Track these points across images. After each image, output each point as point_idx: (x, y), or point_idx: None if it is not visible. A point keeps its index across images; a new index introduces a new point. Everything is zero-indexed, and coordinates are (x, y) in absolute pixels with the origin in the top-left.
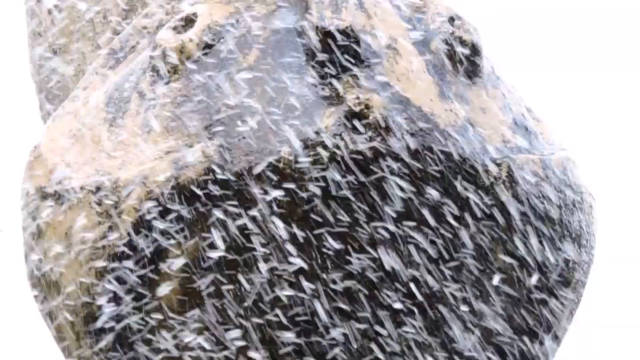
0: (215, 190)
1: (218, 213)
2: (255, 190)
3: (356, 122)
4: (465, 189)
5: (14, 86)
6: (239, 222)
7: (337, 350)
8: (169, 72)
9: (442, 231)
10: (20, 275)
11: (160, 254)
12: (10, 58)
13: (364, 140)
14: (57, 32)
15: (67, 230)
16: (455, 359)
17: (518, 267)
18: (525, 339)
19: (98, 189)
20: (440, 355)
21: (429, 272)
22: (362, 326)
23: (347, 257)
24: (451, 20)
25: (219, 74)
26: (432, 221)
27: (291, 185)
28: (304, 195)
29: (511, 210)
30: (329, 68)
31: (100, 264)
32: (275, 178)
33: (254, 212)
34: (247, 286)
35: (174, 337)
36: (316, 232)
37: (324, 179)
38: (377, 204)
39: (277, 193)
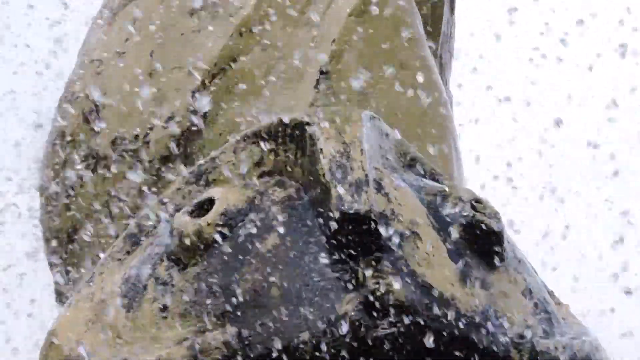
0: None
1: None
2: None
3: (376, 308)
4: None
5: None
6: None
7: None
8: (185, 256)
9: None
10: None
11: None
12: None
13: (385, 326)
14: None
15: None
16: None
17: None
18: None
19: None
20: None
21: None
22: None
23: None
24: (472, 204)
25: (236, 259)
26: None
27: None
28: None
29: None
30: (349, 252)
31: None
32: None
33: None
34: None
35: None
36: None
37: None
38: None
39: None
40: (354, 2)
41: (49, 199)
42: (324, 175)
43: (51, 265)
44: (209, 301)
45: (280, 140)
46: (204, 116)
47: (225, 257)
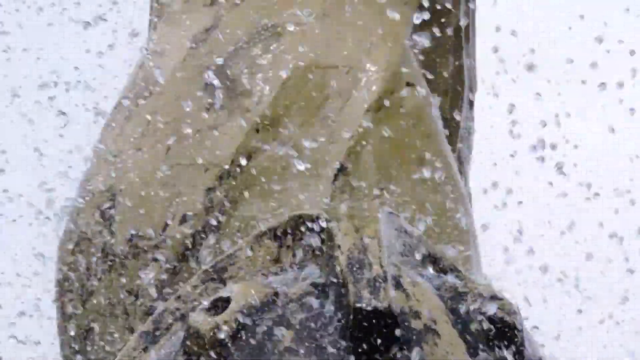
0: None
1: None
2: None
3: None
4: None
5: None
6: None
7: None
8: (202, 354)
9: None
10: None
11: None
12: None
13: None
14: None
15: None
16: None
17: None
18: None
19: None
20: None
21: None
22: None
23: None
24: (492, 301)
25: (253, 357)
26: None
27: None
28: None
29: None
30: (367, 349)
31: None
32: None
33: None
34: None
35: None
36: None
37: None
38: None
39: None
40: (371, 98)
41: (65, 294)
42: (342, 271)
43: None
44: None
45: (297, 236)
46: (221, 212)
47: (243, 355)
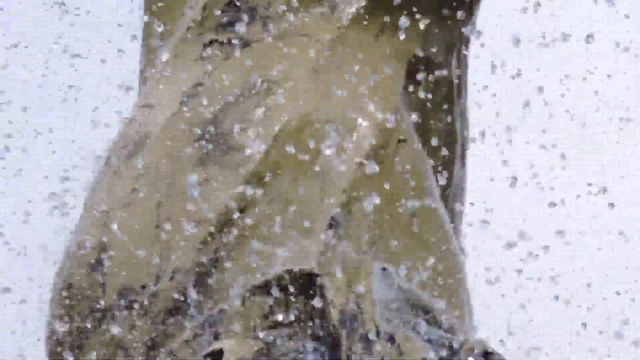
0: None
1: None
2: None
3: None
4: None
5: None
6: None
7: None
8: None
9: None
10: None
11: None
12: None
13: None
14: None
15: None
16: None
17: None
18: None
19: None
20: None
21: None
22: None
23: None
24: (484, 356)
25: None
26: None
27: None
28: None
29: None
30: None
31: None
32: None
33: None
34: None
35: None
36: None
37: None
38: None
39: None
40: (363, 153)
41: (55, 350)
42: (334, 326)
43: None
44: None
45: (289, 291)
46: (212, 267)
47: None
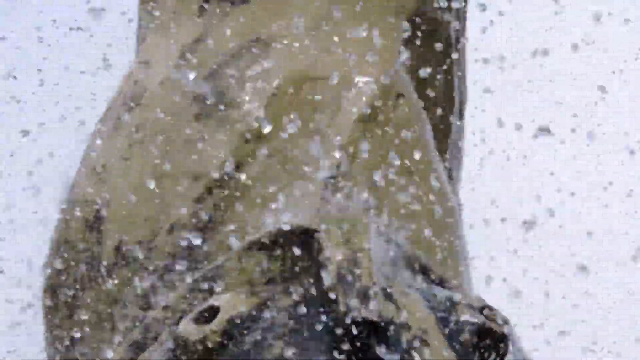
0: None
1: None
2: None
3: None
4: None
5: None
6: None
7: None
8: None
9: None
10: None
11: None
12: None
13: None
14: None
15: None
16: None
17: None
18: None
19: None
20: None
21: None
22: None
23: None
24: (482, 311)
25: None
26: None
27: None
28: None
29: None
30: None
31: None
32: None
33: None
34: None
35: None
36: None
37: None
38: None
39: None
40: (361, 109)
41: (50, 309)
42: (331, 282)
43: None
44: None
45: (286, 247)
46: (209, 223)
47: None
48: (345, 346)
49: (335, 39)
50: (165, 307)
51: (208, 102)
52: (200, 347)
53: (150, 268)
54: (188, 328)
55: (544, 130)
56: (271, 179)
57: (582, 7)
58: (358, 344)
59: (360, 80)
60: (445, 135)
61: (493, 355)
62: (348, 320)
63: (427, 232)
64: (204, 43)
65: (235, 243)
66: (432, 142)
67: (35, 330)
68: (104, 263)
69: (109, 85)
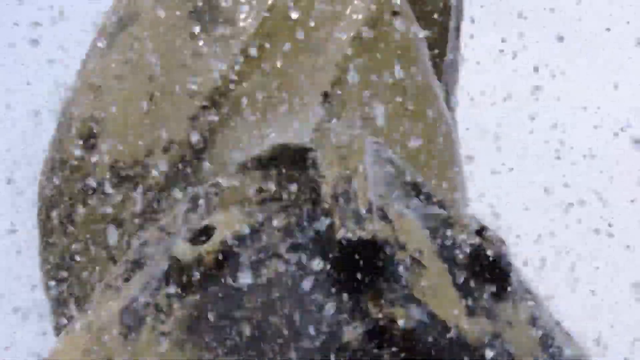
0: None
1: None
2: None
3: (380, 338)
4: None
5: None
6: None
7: None
8: (184, 285)
9: None
10: None
11: None
12: None
13: (389, 357)
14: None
15: None
16: None
17: None
18: None
19: None
20: None
21: None
22: None
23: None
24: (478, 232)
25: (236, 288)
26: None
27: None
28: None
29: None
30: (352, 281)
31: None
32: None
33: None
34: None
35: None
36: None
37: None
38: None
39: None
40: (357, 27)
41: (45, 223)
42: (326, 202)
43: (48, 291)
44: (207, 331)
45: (282, 166)
46: (204, 142)
47: (225, 286)
48: (341, 267)
49: None
50: (160, 228)
51: (203, 20)
52: (195, 267)
53: (145, 188)
54: (183, 248)
55: None
56: (267, 98)
57: None
58: (353, 265)
59: None
60: (442, 51)
61: (490, 276)
62: (343, 241)
63: (424, 152)
64: None
65: (230, 162)
66: (427, 60)
67: None
68: (99, 181)
69: None
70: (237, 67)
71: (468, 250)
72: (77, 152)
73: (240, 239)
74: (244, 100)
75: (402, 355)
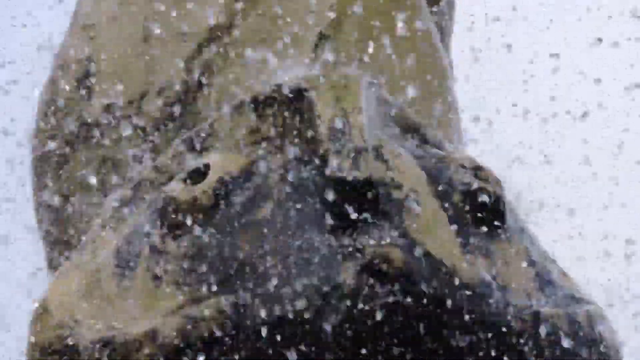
0: (227, 347)
1: None
2: (270, 349)
3: (375, 276)
4: (488, 344)
5: None
6: None
7: None
8: (180, 224)
9: None
10: None
11: None
12: None
13: (384, 295)
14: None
15: None
16: None
17: None
18: None
19: (108, 344)
20: None
21: None
22: None
23: None
24: (474, 171)
25: (232, 227)
26: None
27: (306, 349)
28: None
29: None
30: (347, 220)
31: None
32: (290, 337)
33: None
34: None
35: None
36: None
37: (343, 335)
38: None
39: (292, 356)
40: None
41: (41, 164)
42: (322, 141)
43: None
44: (203, 270)
45: (277, 106)
46: (199, 83)
47: (220, 226)
48: (336, 207)
49: None
50: (155, 167)
51: None
52: (189, 207)
53: (140, 128)
54: (177, 188)
55: None
56: (262, 39)
57: None
58: (348, 204)
59: None
60: None
61: (485, 215)
62: (338, 181)
63: (419, 93)
64: None
65: (225, 103)
66: (424, 5)
67: None
68: (94, 122)
69: None
70: (232, 10)
71: (464, 189)
72: (72, 95)
73: (235, 178)
74: (239, 42)
75: (397, 294)
